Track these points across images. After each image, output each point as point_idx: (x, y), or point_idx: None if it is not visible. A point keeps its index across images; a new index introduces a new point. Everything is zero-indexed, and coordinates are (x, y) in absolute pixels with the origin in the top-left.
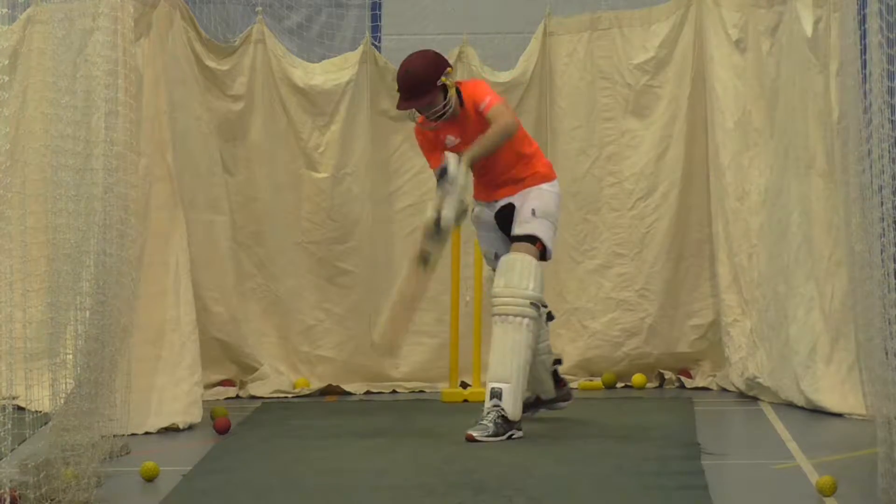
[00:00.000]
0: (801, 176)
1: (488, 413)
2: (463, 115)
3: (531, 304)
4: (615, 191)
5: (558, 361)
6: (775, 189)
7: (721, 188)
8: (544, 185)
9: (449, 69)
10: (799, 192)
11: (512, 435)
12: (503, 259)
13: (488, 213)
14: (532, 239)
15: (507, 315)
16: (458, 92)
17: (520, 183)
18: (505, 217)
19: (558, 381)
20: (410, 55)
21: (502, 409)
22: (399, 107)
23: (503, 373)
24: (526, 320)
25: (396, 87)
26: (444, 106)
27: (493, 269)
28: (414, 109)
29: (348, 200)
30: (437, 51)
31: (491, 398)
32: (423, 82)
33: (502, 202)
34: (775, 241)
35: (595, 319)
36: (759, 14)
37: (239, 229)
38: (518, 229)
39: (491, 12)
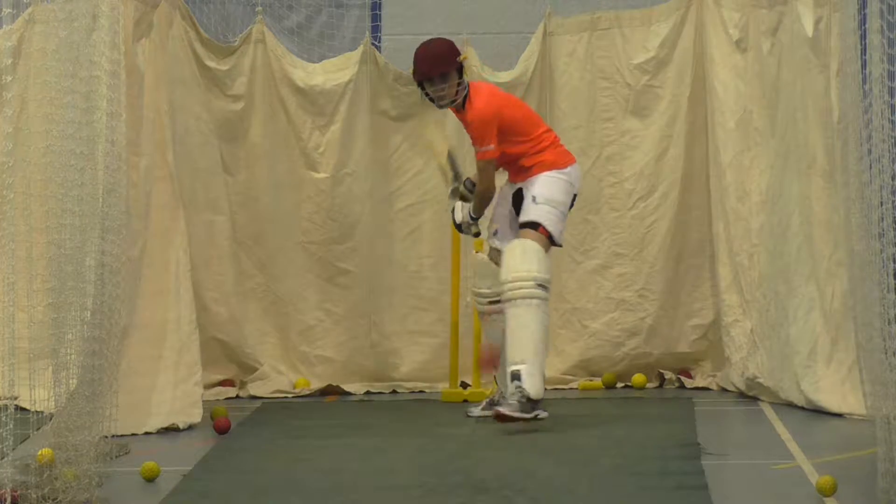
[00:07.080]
0: (801, 176)
1: (511, 395)
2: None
3: (538, 285)
4: (615, 191)
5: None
6: (776, 189)
7: (721, 188)
8: (550, 173)
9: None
10: (799, 193)
11: (538, 415)
12: (507, 245)
13: (507, 190)
14: (534, 225)
15: (516, 299)
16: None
17: (528, 171)
18: (518, 200)
19: None
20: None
21: (524, 390)
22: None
23: (519, 354)
24: (535, 301)
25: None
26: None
27: (490, 249)
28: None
29: (348, 200)
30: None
31: (512, 381)
32: (442, 56)
33: (518, 185)
34: (776, 242)
35: (595, 319)
36: (759, 14)
37: (239, 229)
38: (522, 217)
39: (491, 12)
